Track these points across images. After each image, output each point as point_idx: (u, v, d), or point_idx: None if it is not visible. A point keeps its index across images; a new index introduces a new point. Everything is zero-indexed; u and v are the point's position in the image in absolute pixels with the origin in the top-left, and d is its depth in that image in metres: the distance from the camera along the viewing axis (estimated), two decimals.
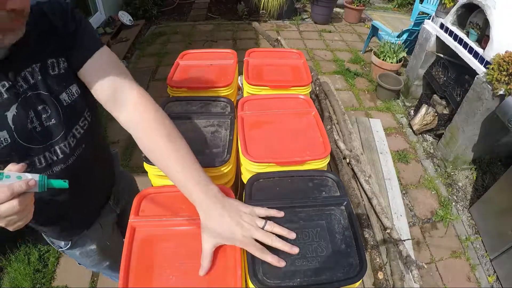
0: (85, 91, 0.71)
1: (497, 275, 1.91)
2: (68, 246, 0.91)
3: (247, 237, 0.58)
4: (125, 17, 4.22)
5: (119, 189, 1.01)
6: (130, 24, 4.25)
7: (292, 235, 0.61)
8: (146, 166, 0.77)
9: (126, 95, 0.69)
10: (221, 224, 0.59)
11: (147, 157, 0.68)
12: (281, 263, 0.57)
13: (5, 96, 0.59)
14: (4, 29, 0.52)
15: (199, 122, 0.89)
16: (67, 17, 0.67)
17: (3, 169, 0.50)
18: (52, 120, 0.66)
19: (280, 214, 0.64)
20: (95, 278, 1.77)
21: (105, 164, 0.94)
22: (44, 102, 0.65)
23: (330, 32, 4.68)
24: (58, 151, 0.69)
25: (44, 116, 0.65)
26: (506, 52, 1.97)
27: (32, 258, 1.80)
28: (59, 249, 0.94)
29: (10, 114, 0.60)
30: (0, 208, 0.49)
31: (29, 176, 0.50)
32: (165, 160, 0.64)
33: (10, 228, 0.54)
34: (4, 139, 0.59)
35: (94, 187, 0.88)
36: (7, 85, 0.59)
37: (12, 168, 0.51)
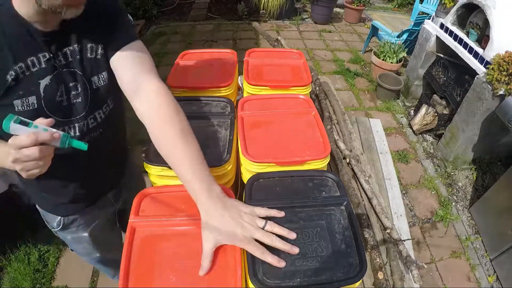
0: (114, 80, 0.74)
1: (497, 275, 1.91)
2: (60, 227, 0.92)
3: (247, 237, 0.58)
4: None
5: (126, 183, 1.02)
6: None
7: (292, 235, 0.61)
8: (146, 166, 0.77)
9: (147, 86, 0.70)
10: (222, 224, 0.59)
11: (157, 149, 0.68)
12: (281, 264, 0.57)
13: (43, 65, 0.64)
14: (69, 2, 0.55)
15: (199, 122, 0.89)
16: (114, 6, 0.73)
17: None
18: (79, 98, 0.71)
19: (281, 214, 0.64)
20: (95, 278, 1.77)
21: (119, 155, 0.97)
22: (76, 80, 0.69)
23: (330, 32, 4.68)
24: (77, 128, 0.72)
25: (73, 93, 0.69)
26: (506, 52, 1.97)
27: (32, 258, 1.80)
28: (52, 229, 0.95)
29: (43, 83, 0.64)
30: (22, 151, 0.52)
31: (53, 130, 0.55)
32: (175, 155, 0.65)
33: (24, 174, 0.56)
34: (31, 103, 0.64)
35: (104, 173, 0.90)
36: (47, 56, 0.64)
37: (41, 121, 0.55)
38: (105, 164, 0.88)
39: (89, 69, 0.71)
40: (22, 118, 0.53)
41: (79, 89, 0.70)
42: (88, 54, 0.70)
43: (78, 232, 0.95)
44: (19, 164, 0.54)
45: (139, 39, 0.76)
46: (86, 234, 0.96)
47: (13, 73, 0.60)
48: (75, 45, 0.68)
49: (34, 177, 0.58)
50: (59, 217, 0.90)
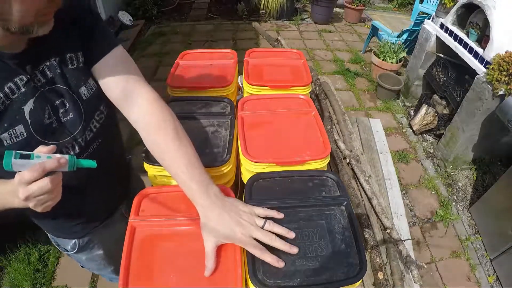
0: (99, 85, 0.71)
1: (497, 275, 1.91)
2: (75, 250, 0.89)
3: (246, 236, 0.58)
4: (125, 17, 4.21)
5: (134, 191, 0.99)
6: (130, 24, 4.24)
7: (291, 235, 0.61)
8: (146, 166, 0.77)
9: (137, 93, 0.69)
10: (221, 223, 0.59)
11: (152, 154, 0.68)
12: (280, 264, 0.57)
13: (23, 90, 0.58)
14: (41, 19, 0.51)
15: (199, 122, 0.89)
16: (86, 12, 0.67)
17: None
18: (70, 114, 0.66)
19: (280, 215, 0.64)
20: (95, 278, 1.76)
21: (121, 163, 0.94)
22: (62, 96, 0.65)
23: (330, 32, 4.67)
24: (76, 146, 0.69)
25: (61, 110, 0.65)
26: (506, 52, 1.97)
27: (32, 258, 1.80)
28: (65, 252, 0.92)
29: (27, 108, 0.59)
30: (32, 187, 0.49)
31: (58, 156, 0.52)
32: (171, 158, 0.64)
33: (39, 209, 0.53)
34: (20, 133, 0.59)
35: (109, 186, 0.86)
36: (25, 79, 0.58)
37: (42, 150, 0.52)
38: (111, 173, 0.85)
39: (74, 80, 0.66)
40: (21, 152, 0.49)
41: (67, 105, 0.65)
42: (69, 65, 0.65)
43: (93, 252, 0.93)
44: (32, 201, 0.51)
45: (120, 44, 0.71)
46: (101, 252, 0.94)
47: None
48: (52, 60, 0.62)
49: (49, 209, 0.55)
50: (74, 240, 0.87)
